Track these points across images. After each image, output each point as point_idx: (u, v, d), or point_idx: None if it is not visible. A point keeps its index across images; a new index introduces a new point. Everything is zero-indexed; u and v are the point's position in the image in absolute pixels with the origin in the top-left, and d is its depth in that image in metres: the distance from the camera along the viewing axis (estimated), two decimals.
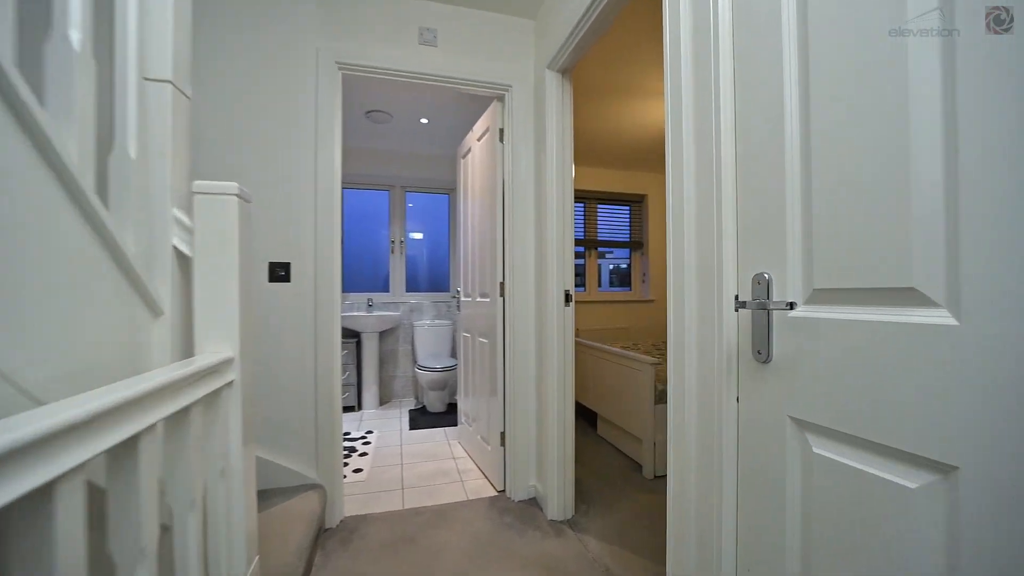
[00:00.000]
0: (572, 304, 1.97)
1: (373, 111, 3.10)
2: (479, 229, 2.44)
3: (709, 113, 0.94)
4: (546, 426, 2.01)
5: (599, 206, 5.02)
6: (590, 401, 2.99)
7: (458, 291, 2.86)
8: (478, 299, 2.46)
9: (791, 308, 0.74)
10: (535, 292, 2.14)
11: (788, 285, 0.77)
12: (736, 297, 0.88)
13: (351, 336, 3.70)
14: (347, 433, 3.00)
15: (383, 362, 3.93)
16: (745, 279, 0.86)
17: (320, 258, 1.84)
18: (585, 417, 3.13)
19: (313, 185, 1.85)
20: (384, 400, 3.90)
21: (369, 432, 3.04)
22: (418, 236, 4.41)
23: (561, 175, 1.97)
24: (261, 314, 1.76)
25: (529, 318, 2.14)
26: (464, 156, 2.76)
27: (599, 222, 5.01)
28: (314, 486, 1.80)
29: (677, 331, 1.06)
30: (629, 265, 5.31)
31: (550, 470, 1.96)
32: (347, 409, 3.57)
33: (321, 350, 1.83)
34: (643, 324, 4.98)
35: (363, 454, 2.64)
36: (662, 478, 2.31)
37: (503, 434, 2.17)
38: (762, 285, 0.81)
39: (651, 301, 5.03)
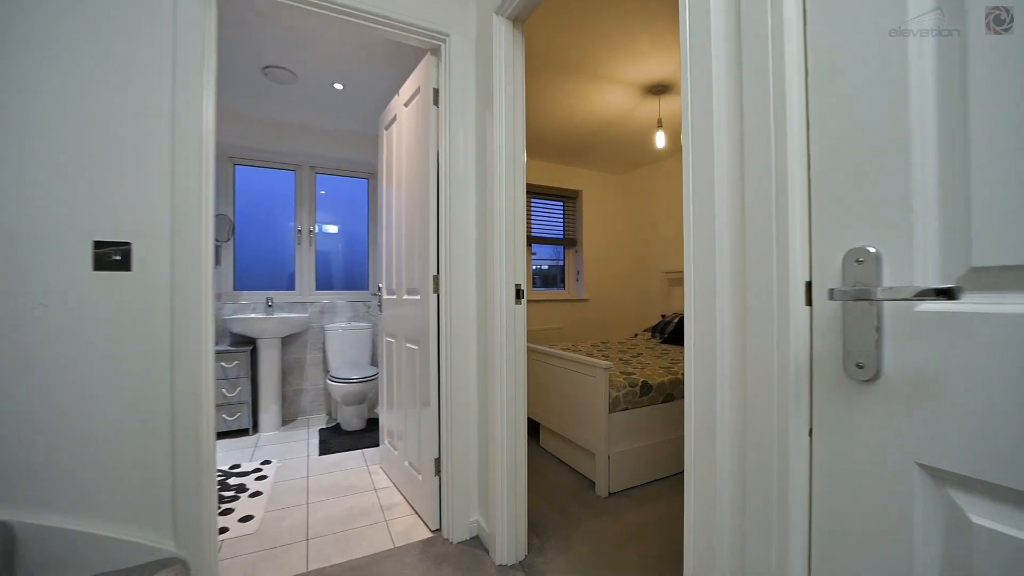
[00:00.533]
0: (524, 301, 1.65)
1: (272, 67, 2.52)
2: (407, 213, 2.03)
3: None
4: (492, 448, 1.66)
5: (533, 200, 4.78)
6: (532, 411, 2.69)
7: (379, 287, 2.40)
8: (405, 297, 2.03)
9: (928, 298, 0.47)
10: (477, 288, 1.78)
11: (914, 264, 0.51)
12: (808, 284, 0.61)
13: (244, 343, 3.03)
14: (234, 467, 2.39)
15: (287, 373, 3.31)
16: (826, 257, 0.59)
17: (180, 240, 1.31)
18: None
19: (170, 138, 1.31)
20: (288, 419, 3.27)
21: (265, 462, 2.45)
22: (332, 229, 3.82)
23: (512, 147, 1.64)
24: (72, 315, 1.20)
25: (470, 318, 1.78)
26: (387, 127, 2.31)
27: (532, 217, 4.78)
28: (170, 561, 1.27)
29: (700, 332, 0.77)
30: (563, 262, 5.15)
31: (498, 502, 1.61)
32: (237, 434, 2.91)
33: (181, 366, 1.30)
34: (578, 324, 4.84)
35: (255, 494, 2.07)
36: (618, 495, 2.08)
37: (438, 461, 1.78)
38: (866, 265, 0.54)
39: (586, 300, 4.91)
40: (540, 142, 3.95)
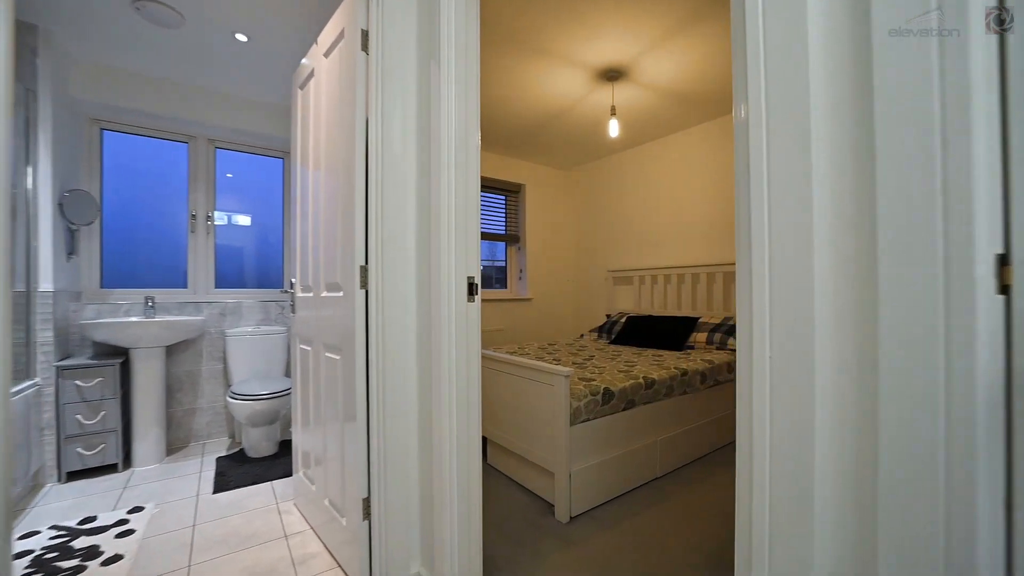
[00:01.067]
0: (478, 298, 1.34)
1: None
2: (327, 188, 1.62)
3: None
4: (438, 480, 1.33)
5: None
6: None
7: (292, 283, 1.95)
8: (324, 294, 1.63)
9: None
10: (418, 282, 1.44)
11: None
12: (1001, 260, 0.37)
13: (113, 355, 2.39)
14: (86, 520, 1.81)
15: (175, 390, 2.69)
16: None
17: None
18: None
19: None
20: (176, 447, 2.66)
21: (135, 510, 1.90)
22: (244, 221, 3.24)
23: (465, 106, 1.32)
24: None
25: (408, 319, 1.43)
26: (303, 84, 1.88)
27: None
28: None
29: (782, 329, 0.52)
30: (504, 261, 4.89)
31: (446, 550, 1.29)
32: (99, 471, 2.27)
33: None
34: (521, 325, 4.60)
35: (112, 559, 1.55)
36: (581, 519, 1.83)
37: (367, 501, 1.41)
38: None
39: (529, 300, 4.68)
40: (484, 130, 3.65)
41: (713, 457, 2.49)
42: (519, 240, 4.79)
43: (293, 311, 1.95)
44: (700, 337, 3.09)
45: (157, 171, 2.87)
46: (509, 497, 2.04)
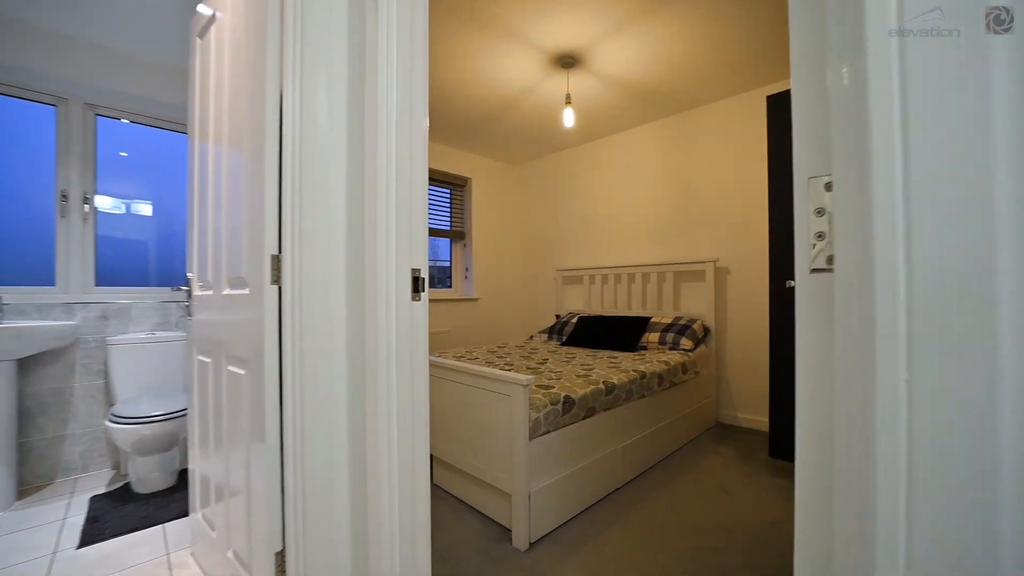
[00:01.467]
0: (425, 295, 1.09)
1: None
2: (231, 158, 1.29)
3: None
4: (374, 519, 1.06)
5: None
6: None
7: (189, 279, 1.57)
8: (227, 292, 1.30)
9: None
10: (349, 276, 1.16)
11: None
12: None
13: None
14: None
15: (35, 414, 2.15)
16: None
17: None
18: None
19: None
20: (35, 485, 2.12)
21: None
22: (145, 210, 2.74)
23: (410, 59, 1.07)
24: None
25: (335, 321, 1.15)
26: (202, 32, 1.52)
27: None
28: None
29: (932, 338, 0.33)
30: (449, 259, 4.61)
31: None
32: None
33: None
34: (468, 327, 4.35)
35: None
36: (542, 543, 1.63)
37: (281, 555, 1.10)
38: None
39: (475, 300, 4.45)
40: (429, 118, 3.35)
41: (670, 462, 2.40)
42: (465, 237, 4.55)
43: (189, 314, 1.57)
44: (653, 337, 3.03)
45: (14, 139, 2.29)
46: (460, 523, 1.80)
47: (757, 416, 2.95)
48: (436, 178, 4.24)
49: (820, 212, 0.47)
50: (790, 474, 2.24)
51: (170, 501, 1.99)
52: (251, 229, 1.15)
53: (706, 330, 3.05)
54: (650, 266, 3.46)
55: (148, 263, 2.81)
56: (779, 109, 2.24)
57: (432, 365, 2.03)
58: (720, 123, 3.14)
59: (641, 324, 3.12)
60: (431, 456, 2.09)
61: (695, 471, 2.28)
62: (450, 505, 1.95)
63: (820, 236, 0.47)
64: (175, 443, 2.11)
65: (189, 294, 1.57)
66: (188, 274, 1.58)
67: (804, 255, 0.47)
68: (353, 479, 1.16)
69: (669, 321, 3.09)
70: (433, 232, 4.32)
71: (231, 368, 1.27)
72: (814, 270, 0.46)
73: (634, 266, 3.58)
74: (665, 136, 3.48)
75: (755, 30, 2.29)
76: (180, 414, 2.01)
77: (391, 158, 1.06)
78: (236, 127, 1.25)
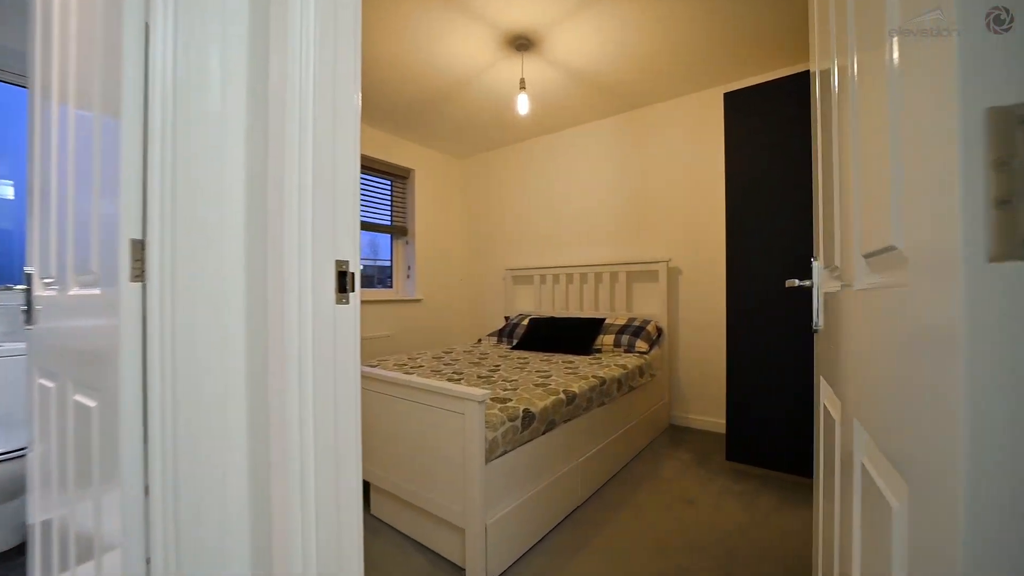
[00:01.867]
0: (356, 296, 0.83)
1: None
2: (77, 120, 0.94)
3: None
4: None
5: None
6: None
7: (28, 275, 1.17)
8: (75, 291, 0.94)
9: None
10: (247, 268, 0.86)
11: None
12: None
13: None
14: None
15: None
16: None
17: None
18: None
19: None
20: None
21: None
22: (7, 191, 2.26)
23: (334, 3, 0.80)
24: None
25: (229, 329, 0.85)
26: None
27: None
28: None
29: None
30: (390, 257, 4.25)
31: None
32: None
33: None
34: (411, 330, 4.02)
35: None
36: None
37: None
38: None
39: (419, 301, 4.13)
40: (366, 100, 3.01)
41: (629, 472, 2.27)
42: (407, 233, 4.21)
43: (28, 321, 1.17)
44: (607, 339, 2.91)
45: None
46: (402, 562, 1.53)
47: (709, 417, 2.93)
48: (376, 168, 3.88)
49: (1002, 164, 0.29)
50: (749, 478, 2.19)
51: (17, 565, 1.53)
52: (101, 204, 0.82)
53: (660, 331, 2.99)
54: (603, 266, 3.36)
55: (13, 257, 2.27)
56: (737, 107, 2.19)
57: (368, 379, 1.73)
58: (675, 121, 3.10)
59: (595, 325, 2.99)
60: (368, 483, 1.79)
61: (655, 479, 2.17)
62: (392, 541, 1.66)
63: (1003, 203, 0.29)
64: (19, 494, 1.63)
65: (28, 295, 1.16)
66: (27, 269, 1.18)
67: (976, 236, 0.29)
68: (255, 551, 0.86)
69: (624, 322, 3.00)
70: (373, 227, 3.95)
71: (78, 398, 0.92)
72: (997, 258, 0.29)
73: (587, 265, 3.46)
74: (619, 132, 3.39)
75: (716, 24, 2.22)
76: (23, 452, 1.55)
77: (307, 118, 0.79)
78: (87, 76, 0.90)
